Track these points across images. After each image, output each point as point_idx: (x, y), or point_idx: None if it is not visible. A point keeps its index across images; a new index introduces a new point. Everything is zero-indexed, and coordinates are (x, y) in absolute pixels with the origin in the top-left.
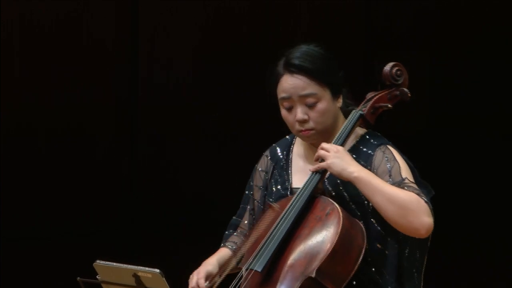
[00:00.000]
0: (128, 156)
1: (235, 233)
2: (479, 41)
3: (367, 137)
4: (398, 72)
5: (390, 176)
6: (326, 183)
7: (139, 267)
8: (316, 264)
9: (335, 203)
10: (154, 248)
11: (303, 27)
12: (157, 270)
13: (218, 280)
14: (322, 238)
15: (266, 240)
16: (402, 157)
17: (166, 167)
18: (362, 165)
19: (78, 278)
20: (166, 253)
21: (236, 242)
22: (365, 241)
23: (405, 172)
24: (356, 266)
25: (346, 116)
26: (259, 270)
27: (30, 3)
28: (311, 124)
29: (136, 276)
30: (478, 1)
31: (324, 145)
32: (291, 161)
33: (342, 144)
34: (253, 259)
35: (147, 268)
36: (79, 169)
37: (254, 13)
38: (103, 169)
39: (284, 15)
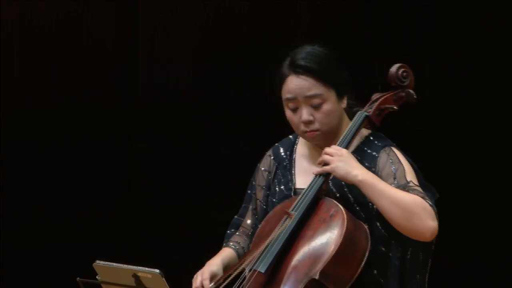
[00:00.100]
0: (128, 156)
1: (237, 233)
2: (479, 41)
3: (371, 138)
4: (404, 74)
5: (394, 178)
6: (331, 185)
7: (139, 267)
8: (320, 266)
9: (339, 204)
10: (154, 248)
11: (303, 27)
12: (157, 270)
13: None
14: (326, 240)
15: (270, 241)
16: (407, 159)
17: (166, 167)
18: (366, 167)
19: (78, 278)
20: (166, 253)
21: (239, 242)
22: (369, 243)
23: (410, 175)
24: (360, 269)
25: (350, 117)
26: (263, 271)
27: (30, 3)
28: (316, 125)
29: (136, 276)
30: (478, 1)
31: (327, 149)
32: (294, 161)
33: (347, 146)
34: (257, 260)
35: (147, 268)
36: (79, 169)
37: (254, 13)
38: (103, 169)
39: (284, 15)
